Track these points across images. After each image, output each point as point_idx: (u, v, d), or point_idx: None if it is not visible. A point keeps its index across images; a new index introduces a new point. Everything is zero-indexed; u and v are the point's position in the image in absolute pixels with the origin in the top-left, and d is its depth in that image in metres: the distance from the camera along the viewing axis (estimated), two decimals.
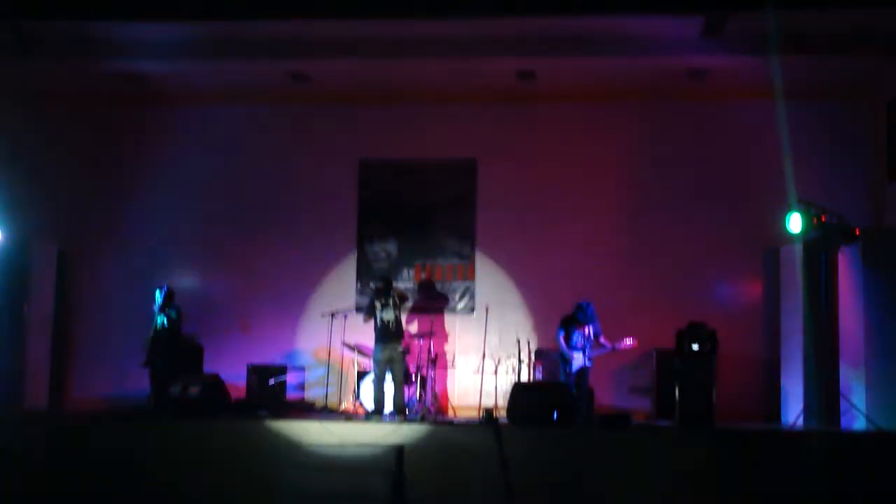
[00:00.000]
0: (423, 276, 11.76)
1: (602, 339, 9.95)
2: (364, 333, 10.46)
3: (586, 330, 9.91)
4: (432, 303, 11.62)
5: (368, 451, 8.59)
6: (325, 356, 10.91)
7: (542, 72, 11.07)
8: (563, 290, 10.90)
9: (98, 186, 12.05)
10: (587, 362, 9.94)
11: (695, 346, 9.53)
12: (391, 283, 10.22)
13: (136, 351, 10.93)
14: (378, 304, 9.88)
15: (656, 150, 11.59)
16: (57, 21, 10.07)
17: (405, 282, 11.62)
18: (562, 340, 9.96)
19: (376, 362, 9.79)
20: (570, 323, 9.95)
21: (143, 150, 12.02)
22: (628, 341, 9.87)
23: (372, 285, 11.16)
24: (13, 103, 11.55)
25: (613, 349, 9.96)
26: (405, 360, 10.05)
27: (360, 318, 10.51)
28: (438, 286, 11.71)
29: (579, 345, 9.88)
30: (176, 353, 10.32)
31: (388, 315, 9.83)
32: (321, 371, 11.17)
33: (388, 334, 9.81)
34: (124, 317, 11.59)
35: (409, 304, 10.66)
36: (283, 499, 8.34)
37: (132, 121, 12.10)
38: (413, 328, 11.17)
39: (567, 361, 9.93)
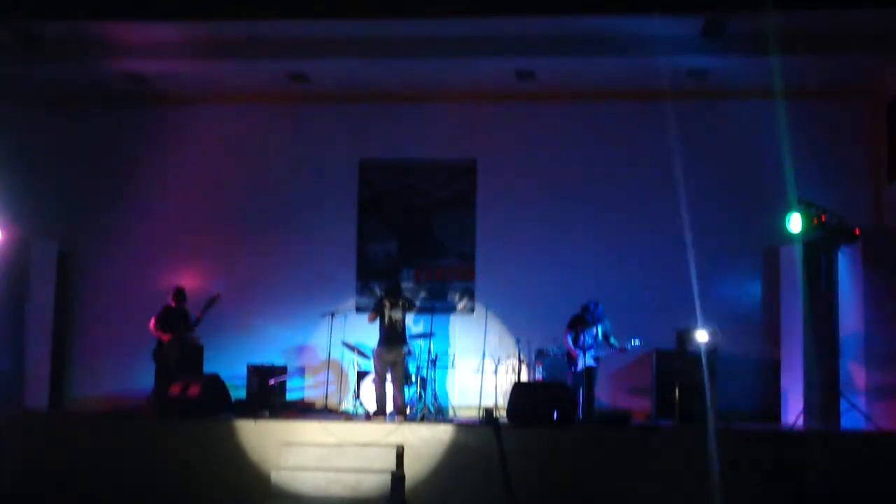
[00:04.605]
0: (424, 276, 11.77)
1: (612, 340, 9.95)
2: (364, 333, 10.45)
3: (595, 330, 9.91)
4: (434, 303, 11.63)
5: (368, 452, 8.60)
6: (325, 356, 10.91)
7: (542, 72, 11.07)
8: (563, 289, 10.94)
9: (98, 186, 12.05)
10: (593, 362, 9.94)
11: (695, 347, 9.55)
12: (400, 287, 10.24)
13: (136, 350, 10.99)
14: (387, 304, 9.86)
15: (656, 150, 11.56)
16: (57, 21, 10.07)
17: (405, 282, 11.62)
18: (570, 341, 9.96)
19: (381, 362, 9.76)
20: (579, 323, 9.95)
21: (144, 150, 12.02)
22: (635, 342, 9.87)
23: (378, 289, 11.16)
24: (13, 103, 11.55)
25: (621, 349, 9.97)
26: (406, 361, 10.03)
27: (360, 318, 10.49)
28: (439, 286, 11.72)
29: (588, 345, 9.89)
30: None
31: (397, 315, 9.79)
32: (321, 371, 11.17)
33: (395, 336, 9.75)
34: (124, 317, 11.58)
35: (411, 316, 10.56)
36: (282, 498, 8.35)
37: (132, 121, 12.10)
38: (414, 328, 11.14)
39: (573, 362, 9.94)
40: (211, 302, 10.32)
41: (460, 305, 11.71)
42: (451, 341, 11.51)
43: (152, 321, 10.21)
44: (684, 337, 10.19)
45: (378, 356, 9.80)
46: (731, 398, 9.86)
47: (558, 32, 10.22)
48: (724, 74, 10.88)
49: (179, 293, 10.49)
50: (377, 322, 9.86)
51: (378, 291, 11.24)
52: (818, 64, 10.60)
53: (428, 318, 10.85)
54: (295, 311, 11.69)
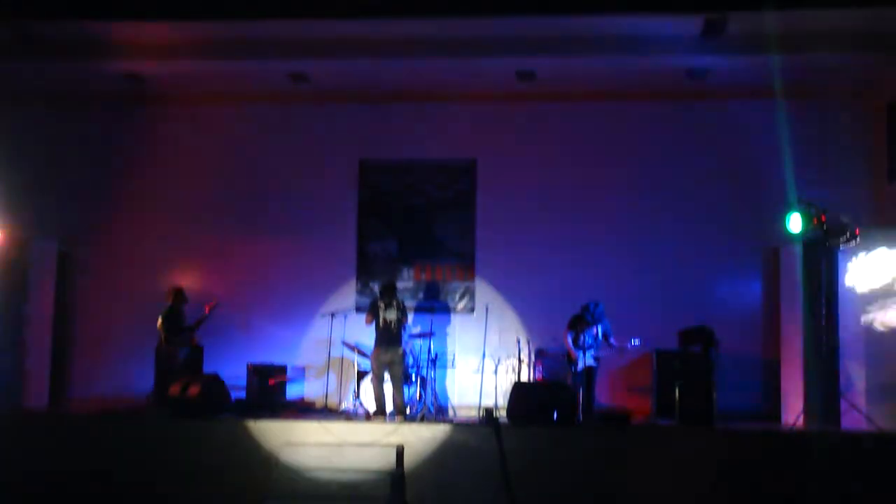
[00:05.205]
0: (424, 276, 11.78)
1: (612, 339, 9.96)
2: (363, 333, 10.46)
3: (595, 330, 9.92)
4: (434, 303, 11.63)
5: (368, 451, 8.60)
6: (325, 356, 10.91)
7: (542, 72, 11.07)
8: (563, 289, 10.94)
9: (98, 186, 12.03)
10: (593, 362, 9.95)
11: (695, 347, 9.54)
12: (395, 286, 10.24)
13: (136, 350, 11.00)
14: (381, 305, 9.87)
15: (656, 150, 11.59)
16: (57, 21, 10.07)
17: (405, 282, 11.63)
18: (570, 341, 9.96)
19: (377, 363, 9.76)
20: (579, 323, 9.96)
21: (143, 149, 12.02)
22: (635, 341, 9.88)
23: (375, 288, 11.16)
24: (13, 103, 11.55)
25: (621, 348, 9.98)
26: (405, 360, 10.03)
27: (360, 317, 10.51)
28: (438, 286, 11.72)
29: (588, 345, 9.89)
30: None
31: (391, 315, 9.80)
32: (321, 371, 11.17)
33: (390, 336, 9.77)
34: (124, 317, 11.60)
35: (411, 316, 10.54)
36: (283, 498, 8.35)
37: (132, 121, 12.10)
38: (414, 328, 11.15)
39: (573, 362, 9.94)
40: (210, 309, 10.38)
41: (460, 305, 11.71)
42: (451, 341, 11.51)
43: (160, 321, 10.22)
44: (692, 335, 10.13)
45: (374, 357, 9.82)
46: (731, 398, 9.85)
47: (558, 32, 10.21)
48: (724, 74, 10.87)
49: (179, 294, 10.49)
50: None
51: (376, 291, 11.25)
52: (818, 64, 10.59)
53: (428, 317, 10.86)
54: (295, 311, 11.70)
